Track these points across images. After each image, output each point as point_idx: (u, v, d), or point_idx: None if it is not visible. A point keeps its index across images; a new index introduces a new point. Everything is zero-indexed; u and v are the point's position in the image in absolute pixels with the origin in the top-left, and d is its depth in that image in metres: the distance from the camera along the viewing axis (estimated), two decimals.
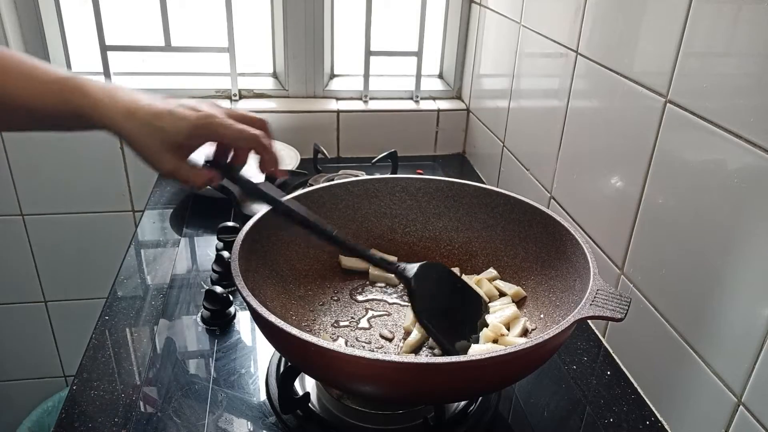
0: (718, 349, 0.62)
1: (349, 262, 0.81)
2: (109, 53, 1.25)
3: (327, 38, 1.35)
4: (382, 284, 0.81)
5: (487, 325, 0.69)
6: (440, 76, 1.49)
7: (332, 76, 1.43)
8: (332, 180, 1.02)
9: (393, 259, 0.74)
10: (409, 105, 1.39)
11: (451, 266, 0.81)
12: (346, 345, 0.71)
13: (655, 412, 0.71)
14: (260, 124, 0.63)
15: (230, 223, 0.97)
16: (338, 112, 1.34)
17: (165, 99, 0.60)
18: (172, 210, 1.11)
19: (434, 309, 0.68)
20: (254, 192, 0.67)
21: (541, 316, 0.71)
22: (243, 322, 0.82)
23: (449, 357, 0.52)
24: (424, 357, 0.67)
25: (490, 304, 0.73)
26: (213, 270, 0.90)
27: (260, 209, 0.73)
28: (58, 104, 0.58)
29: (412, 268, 0.68)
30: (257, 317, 0.57)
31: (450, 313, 0.70)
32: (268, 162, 0.64)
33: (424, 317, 0.67)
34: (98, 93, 0.58)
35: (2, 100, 0.58)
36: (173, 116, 0.58)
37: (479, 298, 0.73)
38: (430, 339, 0.69)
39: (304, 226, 0.67)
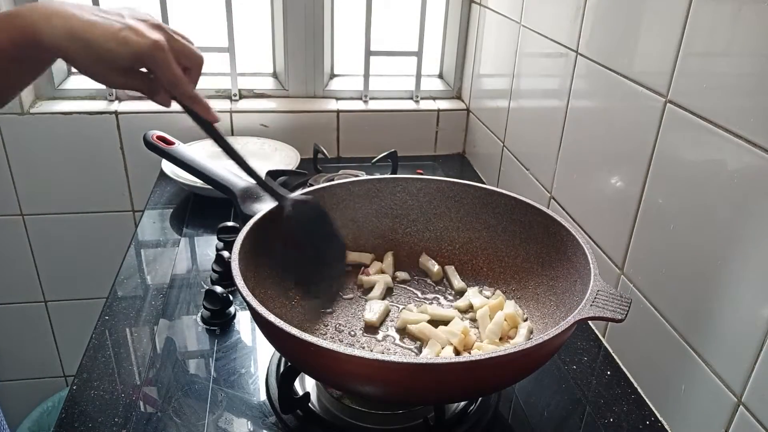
0: (718, 349, 0.62)
1: (352, 256, 0.81)
2: None
3: (327, 38, 1.35)
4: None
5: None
6: (440, 76, 1.49)
7: (332, 76, 1.43)
8: (332, 180, 1.02)
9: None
10: (409, 105, 1.39)
11: (451, 266, 0.82)
12: (347, 345, 0.71)
13: (655, 412, 0.71)
14: (195, 67, 0.63)
15: (230, 223, 0.97)
16: (338, 112, 1.34)
17: (104, 12, 0.58)
18: (172, 210, 1.11)
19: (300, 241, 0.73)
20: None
21: (542, 316, 0.71)
22: (243, 322, 0.82)
23: (449, 357, 0.52)
24: (424, 357, 0.67)
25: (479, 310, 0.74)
26: (213, 270, 0.90)
27: (261, 209, 0.73)
28: (3, 42, 0.55)
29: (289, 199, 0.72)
30: (257, 317, 0.57)
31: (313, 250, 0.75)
32: (198, 109, 0.64)
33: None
34: (34, 15, 0.56)
35: None
36: (118, 39, 0.57)
37: (343, 247, 0.79)
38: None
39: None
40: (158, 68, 0.59)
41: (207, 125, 0.65)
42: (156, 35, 0.58)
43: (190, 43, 0.62)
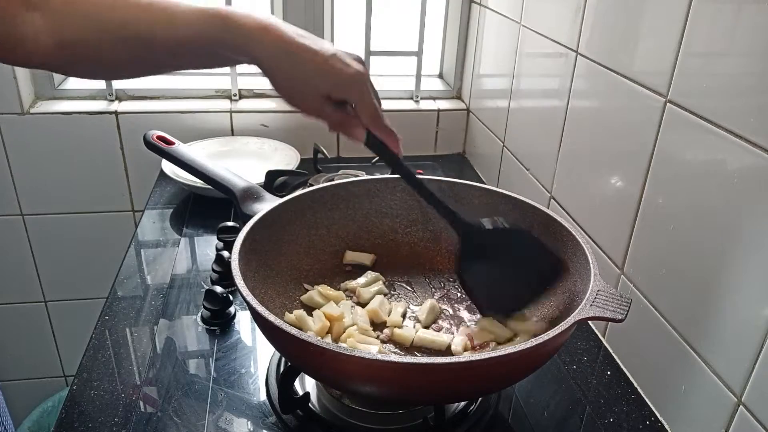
0: (718, 349, 0.62)
1: (352, 256, 0.81)
2: None
3: (327, 38, 1.35)
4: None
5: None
6: (440, 76, 1.49)
7: None
8: (332, 180, 1.02)
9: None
10: (409, 105, 1.39)
11: (451, 266, 0.82)
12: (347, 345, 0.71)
13: (655, 412, 0.71)
14: (379, 100, 0.64)
15: (230, 223, 0.97)
16: None
17: (314, 38, 0.59)
18: (172, 210, 1.11)
19: (480, 272, 0.68)
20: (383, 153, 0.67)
21: (542, 316, 0.71)
22: (243, 322, 0.82)
23: (449, 357, 0.52)
24: (424, 357, 0.67)
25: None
26: (213, 270, 0.90)
27: (261, 209, 0.73)
28: (203, 39, 0.57)
29: (468, 225, 0.68)
30: (257, 317, 0.57)
31: (498, 281, 0.69)
32: (390, 141, 0.66)
33: (465, 276, 0.67)
34: (249, 23, 0.57)
35: (143, 37, 0.57)
36: (323, 66, 0.58)
37: (559, 266, 0.68)
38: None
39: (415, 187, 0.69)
40: (360, 98, 0.60)
41: (393, 159, 0.67)
42: (359, 67, 0.60)
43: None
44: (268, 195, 0.83)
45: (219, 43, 0.58)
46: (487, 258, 0.68)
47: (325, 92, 0.59)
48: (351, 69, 0.59)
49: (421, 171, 1.27)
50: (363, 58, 0.62)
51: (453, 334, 0.73)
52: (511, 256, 0.69)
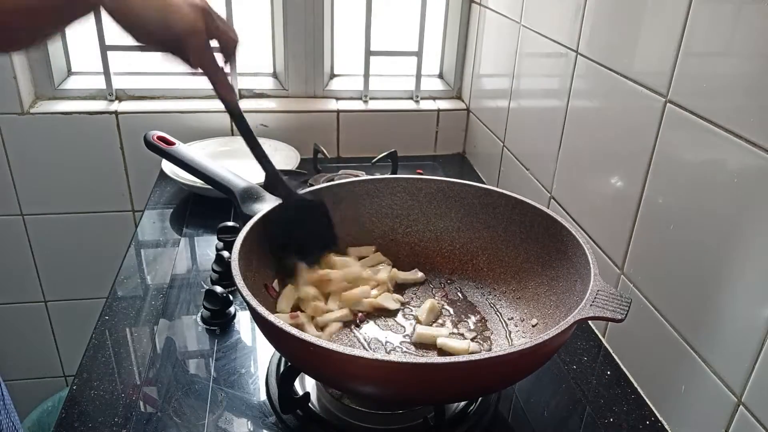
0: (718, 349, 0.62)
1: (353, 251, 0.81)
2: (109, 53, 1.25)
3: (327, 38, 1.35)
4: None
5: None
6: (440, 76, 1.49)
7: (332, 76, 1.43)
8: (332, 180, 1.02)
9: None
10: (409, 105, 1.39)
11: (451, 266, 0.82)
12: (347, 345, 0.71)
13: (655, 412, 0.71)
14: (231, 48, 0.68)
15: (230, 223, 0.97)
16: (338, 112, 1.34)
17: None
18: (172, 210, 1.11)
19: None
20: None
21: (542, 316, 0.71)
22: (243, 322, 0.82)
23: (449, 357, 0.52)
24: (424, 357, 0.67)
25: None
26: (213, 270, 0.90)
27: (261, 209, 0.73)
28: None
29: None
30: (257, 317, 0.57)
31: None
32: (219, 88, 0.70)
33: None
34: None
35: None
36: (159, 19, 0.60)
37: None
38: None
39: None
40: (191, 51, 0.63)
41: (227, 105, 0.71)
42: (195, 16, 0.62)
43: (227, 25, 0.67)
44: (268, 195, 0.83)
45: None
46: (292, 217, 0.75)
47: (160, 37, 0.62)
48: (185, 24, 0.62)
49: (421, 171, 1.27)
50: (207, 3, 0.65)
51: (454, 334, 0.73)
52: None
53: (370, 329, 0.74)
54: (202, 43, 0.64)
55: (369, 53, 1.34)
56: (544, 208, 0.74)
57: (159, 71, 1.35)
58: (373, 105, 1.37)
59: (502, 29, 1.17)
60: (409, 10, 1.35)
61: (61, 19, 0.63)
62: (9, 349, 1.45)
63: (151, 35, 0.62)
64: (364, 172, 1.12)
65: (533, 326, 0.71)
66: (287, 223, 0.74)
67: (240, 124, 0.73)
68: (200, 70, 0.67)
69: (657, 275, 0.71)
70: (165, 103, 1.30)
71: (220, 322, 0.81)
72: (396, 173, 1.18)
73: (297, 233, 0.75)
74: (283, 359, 0.73)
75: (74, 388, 0.70)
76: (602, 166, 0.83)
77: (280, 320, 0.54)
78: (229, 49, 0.68)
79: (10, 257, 1.34)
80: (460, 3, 1.36)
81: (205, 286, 0.88)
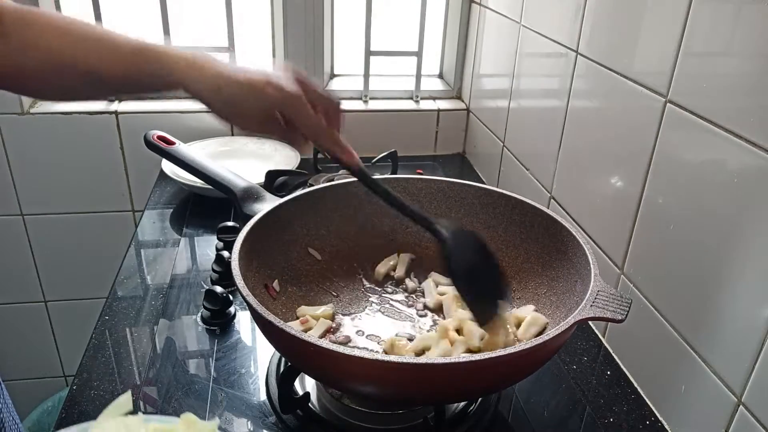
0: (718, 349, 0.62)
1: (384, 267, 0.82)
2: None
3: (327, 38, 1.35)
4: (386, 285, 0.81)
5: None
6: (440, 76, 1.49)
7: (332, 76, 1.43)
8: (332, 180, 1.02)
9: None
10: (409, 105, 1.39)
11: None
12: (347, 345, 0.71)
13: (655, 412, 0.71)
14: (334, 113, 0.66)
15: (230, 223, 0.97)
16: None
17: (247, 70, 0.62)
18: (172, 210, 1.11)
19: (467, 274, 0.67)
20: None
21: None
22: (243, 322, 0.82)
23: (449, 357, 0.52)
24: (424, 357, 0.67)
25: None
26: (213, 270, 0.90)
27: (261, 209, 0.73)
28: (137, 73, 0.60)
29: (448, 230, 0.67)
30: (257, 317, 0.57)
31: (480, 281, 0.68)
32: (340, 154, 0.68)
33: (459, 280, 0.66)
34: (181, 65, 0.61)
35: (78, 68, 0.60)
36: (257, 93, 0.61)
37: (503, 276, 0.70)
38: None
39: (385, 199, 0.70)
40: (296, 117, 0.62)
41: (351, 170, 0.69)
42: (292, 88, 0.62)
43: (326, 91, 0.66)
44: (268, 195, 0.83)
45: (159, 83, 0.62)
46: (467, 262, 0.67)
47: (262, 117, 0.62)
48: (283, 93, 0.61)
49: (421, 171, 1.27)
50: (305, 74, 0.64)
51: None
52: (482, 259, 0.68)
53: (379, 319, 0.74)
54: (307, 111, 0.62)
55: (369, 53, 1.34)
56: (544, 208, 0.74)
57: None
58: (373, 105, 1.37)
59: (502, 29, 1.17)
60: (409, 10, 1.35)
61: (136, 94, 0.66)
62: (9, 349, 1.45)
63: (254, 118, 0.62)
64: None
65: None
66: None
67: (375, 187, 0.70)
68: (316, 142, 0.65)
69: (657, 275, 0.71)
70: (165, 103, 1.30)
71: (220, 322, 0.81)
72: (396, 173, 1.18)
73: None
74: (283, 359, 0.73)
75: (74, 388, 0.70)
76: (602, 166, 0.83)
77: (280, 320, 0.54)
78: (333, 113, 0.66)
79: (10, 257, 1.34)
80: (460, 3, 1.36)
81: (205, 286, 0.88)
